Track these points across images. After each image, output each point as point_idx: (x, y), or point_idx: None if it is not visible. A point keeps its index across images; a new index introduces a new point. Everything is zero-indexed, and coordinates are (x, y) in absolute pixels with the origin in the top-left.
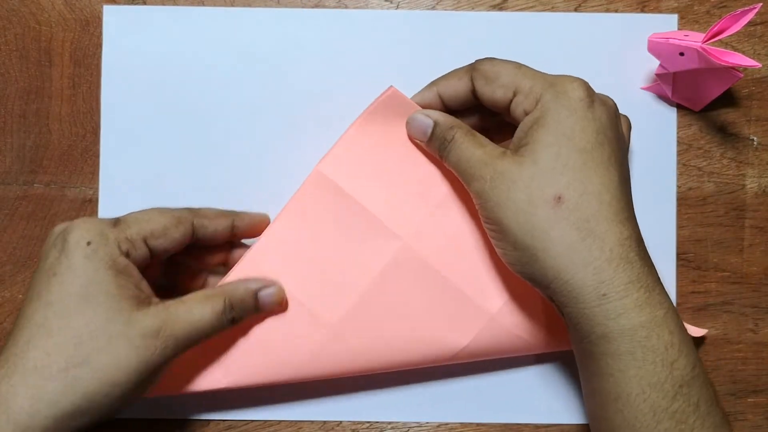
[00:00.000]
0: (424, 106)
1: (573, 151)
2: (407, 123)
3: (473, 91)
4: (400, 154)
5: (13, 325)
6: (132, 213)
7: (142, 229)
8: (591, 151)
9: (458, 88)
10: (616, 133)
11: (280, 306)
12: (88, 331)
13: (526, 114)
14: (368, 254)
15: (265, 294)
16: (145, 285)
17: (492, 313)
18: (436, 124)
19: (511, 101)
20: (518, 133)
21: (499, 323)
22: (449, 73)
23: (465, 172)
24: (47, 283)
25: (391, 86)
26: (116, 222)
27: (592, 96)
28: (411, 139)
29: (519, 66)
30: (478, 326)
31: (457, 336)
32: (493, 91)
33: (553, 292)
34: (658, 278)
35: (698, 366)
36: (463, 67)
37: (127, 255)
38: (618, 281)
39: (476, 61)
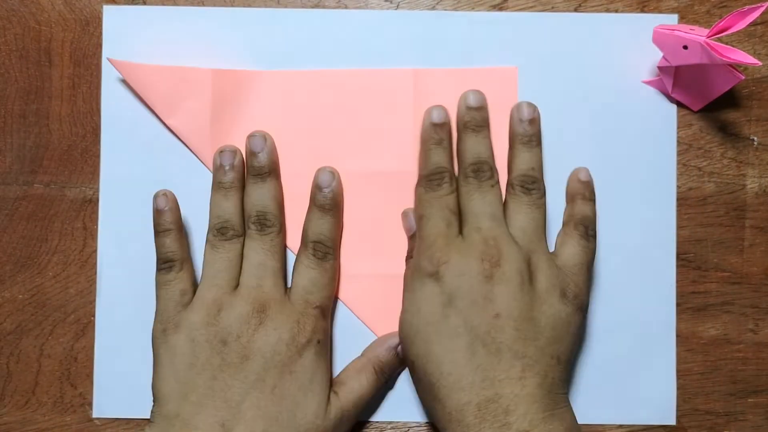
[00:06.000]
0: None
1: (422, 323)
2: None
3: None
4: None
5: (235, 410)
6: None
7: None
8: (436, 323)
9: None
10: (472, 299)
11: None
12: (304, 424)
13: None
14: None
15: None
16: None
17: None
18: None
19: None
20: None
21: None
22: None
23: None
24: (281, 380)
25: None
26: (324, 314)
27: (437, 269)
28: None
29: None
30: None
31: None
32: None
33: None
34: None
35: None
36: None
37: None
38: None
39: None
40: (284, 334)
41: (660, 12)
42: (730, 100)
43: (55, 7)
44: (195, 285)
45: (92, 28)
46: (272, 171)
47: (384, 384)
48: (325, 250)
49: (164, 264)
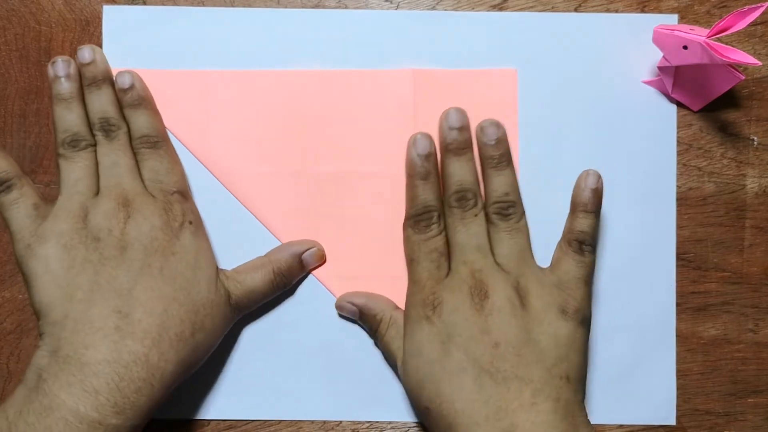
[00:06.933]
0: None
1: (426, 363)
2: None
3: None
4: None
5: (132, 302)
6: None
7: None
8: (440, 361)
9: None
10: (470, 334)
11: (320, 262)
12: (200, 299)
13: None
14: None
15: (308, 255)
16: None
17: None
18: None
19: None
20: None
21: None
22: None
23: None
24: (167, 262)
25: None
26: (185, 196)
27: (432, 310)
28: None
29: None
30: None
31: None
32: None
33: None
34: None
35: None
36: None
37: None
38: None
39: None
40: (155, 221)
41: (660, 12)
42: (730, 100)
43: (55, 7)
44: (42, 199)
45: (92, 28)
46: (106, 78)
47: (282, 287)
48: (153, 140)
49: (1, 186)
